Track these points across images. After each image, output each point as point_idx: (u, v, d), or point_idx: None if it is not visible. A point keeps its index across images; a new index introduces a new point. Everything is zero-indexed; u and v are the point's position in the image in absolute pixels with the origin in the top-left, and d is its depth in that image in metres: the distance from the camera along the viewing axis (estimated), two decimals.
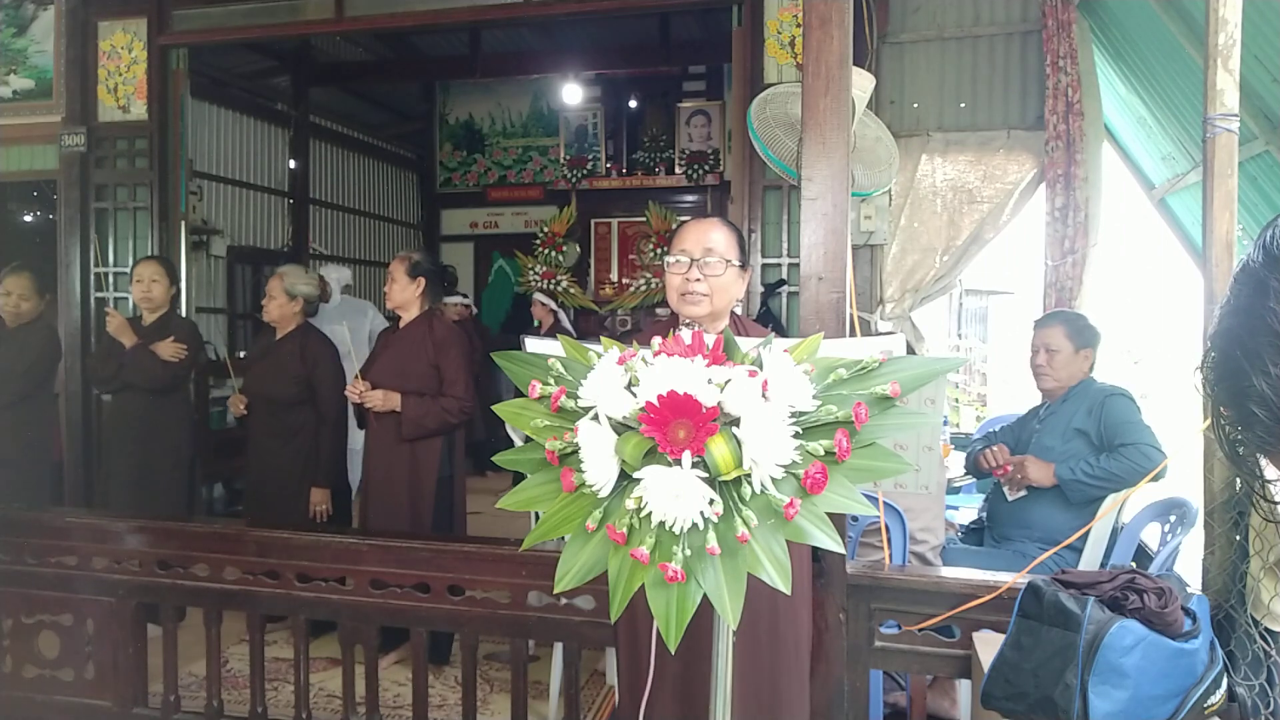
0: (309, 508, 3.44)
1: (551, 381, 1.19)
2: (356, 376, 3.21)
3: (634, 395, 1.06)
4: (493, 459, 1.28)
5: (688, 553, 0.99)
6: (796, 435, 1.04)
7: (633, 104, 8.98)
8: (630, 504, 1.02)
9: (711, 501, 1.00)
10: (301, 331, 3.56)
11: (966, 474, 3.22)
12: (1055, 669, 1.54)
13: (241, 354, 5.65)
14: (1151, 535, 2.79)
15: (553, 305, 6.99)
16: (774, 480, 1.02)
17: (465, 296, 6.91)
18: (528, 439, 1.18)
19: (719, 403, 1.03)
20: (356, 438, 3.61)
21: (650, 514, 1.01)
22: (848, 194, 1.98)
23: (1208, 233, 1.85)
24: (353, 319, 4.67)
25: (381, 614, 2.34)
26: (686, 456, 1.00)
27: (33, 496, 3.52)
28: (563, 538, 1.09)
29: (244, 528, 2.48)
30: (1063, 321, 2.88)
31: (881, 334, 3.82)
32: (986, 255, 4.26)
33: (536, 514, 1.61)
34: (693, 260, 1.78)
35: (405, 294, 3.23)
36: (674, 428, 1.01)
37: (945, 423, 4.05)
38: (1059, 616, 1.58)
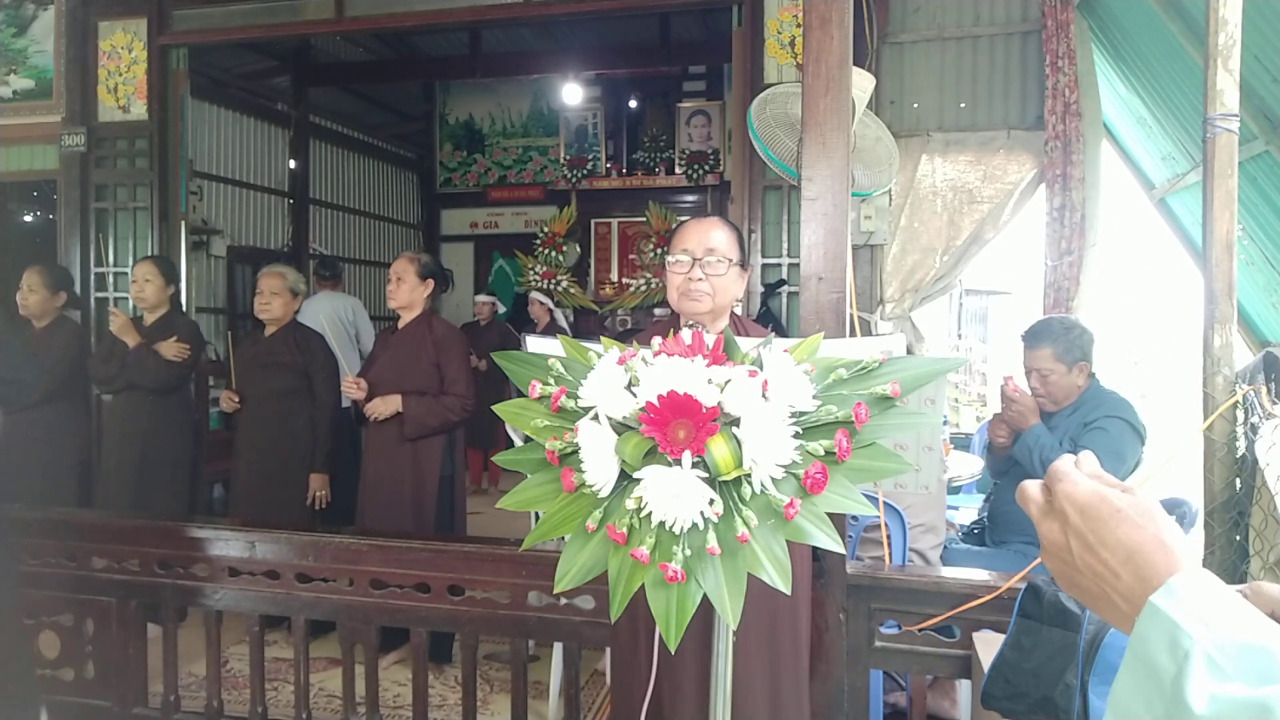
0: (307, 494, 3.47)
1: (551, 381, 1.18)
2: (348, 375, 3.24)
3: (634, 395, 1.06)
4: (493, 459, 1.28)
5: (688, 553, 0.99)
6: (796, 435, 1.04)
7: (633, 104, 8.97)
8: (630, 504, 1.02)
9: (711, 501, 1.00)
10: (293, 325, 3.64)
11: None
12: (1055, 669, 1.54)
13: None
14: None
15: (549, 304, 7.03)
16: (774, 480, 1.02)
17: (492, 295, 6.98)
18: (528, 439, 1.18)
19: (719, 403, 1.03)
20: None
21: (650, 514, 1.01)
22: (848, 194, 1.98)
23: (1208, 233, 1.85)
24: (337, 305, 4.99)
25: (381, 614, 2.34)
26: (686, 456, 1.00)
27: (57, 498, 3.51)
28: (563, 538, 1.09)
29: (243, 528, 2.48)
30: (1049, 341, 2.73)
31: (881, 334, 3.82)
32: (986, 255, 4.25)
33: (536, 514, 1.61)
34: (695, 260, 1.78)
35: (414, 294, 3.26)
36: (674, 428, 1.01)
37: (945, 423, 4.04)
38: (1059, 616, 1.58)
